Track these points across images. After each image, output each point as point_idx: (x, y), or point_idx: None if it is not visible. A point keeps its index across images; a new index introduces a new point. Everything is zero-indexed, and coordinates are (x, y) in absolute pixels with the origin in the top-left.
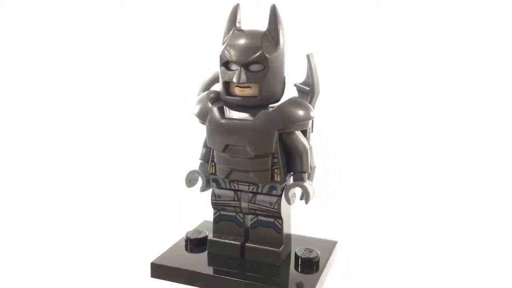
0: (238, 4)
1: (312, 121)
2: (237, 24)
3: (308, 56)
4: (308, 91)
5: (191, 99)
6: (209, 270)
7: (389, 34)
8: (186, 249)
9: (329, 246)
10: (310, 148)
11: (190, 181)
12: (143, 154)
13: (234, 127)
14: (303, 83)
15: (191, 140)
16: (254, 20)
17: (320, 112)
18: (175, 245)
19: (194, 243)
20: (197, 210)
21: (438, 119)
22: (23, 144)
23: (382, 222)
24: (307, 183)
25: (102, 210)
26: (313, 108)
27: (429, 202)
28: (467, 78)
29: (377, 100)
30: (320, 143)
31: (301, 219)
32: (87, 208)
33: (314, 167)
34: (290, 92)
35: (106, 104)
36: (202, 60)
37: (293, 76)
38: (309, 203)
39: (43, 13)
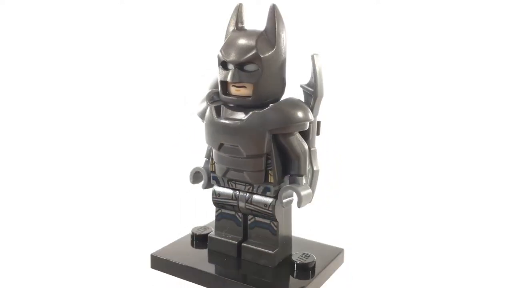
0: (240, 4)
1: (318, 123)
2: (239, 24)
3: (312, 57)
4: (311, 92)
5: (191, 99)
6: (202, 266)
7: (391, 37)
8: (192, 244)
9: (332, 252)
10: (314, 151)
11: (194, 177)
12: (144, 154)
13: (226, 127)
14: (308, 84)
15: (191, 140)
16: (255, 20)
17: (322, 113)
18: (181, 240)
19: (199, 239)
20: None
21: (440, 121)
22: (25, 144)
23: (386, 226)
24: (301, 187)
25: (112, 211)
26: (317, 110)
27: (431, 205)
28: (468, 79)
29: (378, 101)
30: (321, 144)
31: (307, 222)
32: (94, 207)
33: (317, 170)
34: (293, 93)
35: (106, 104)
36: (202, 60)
37: (301, 77)
38: (301, 207)
39: (43, 13)
